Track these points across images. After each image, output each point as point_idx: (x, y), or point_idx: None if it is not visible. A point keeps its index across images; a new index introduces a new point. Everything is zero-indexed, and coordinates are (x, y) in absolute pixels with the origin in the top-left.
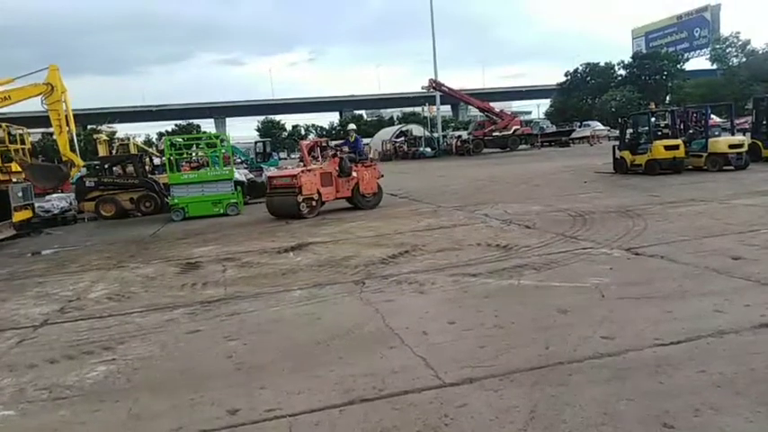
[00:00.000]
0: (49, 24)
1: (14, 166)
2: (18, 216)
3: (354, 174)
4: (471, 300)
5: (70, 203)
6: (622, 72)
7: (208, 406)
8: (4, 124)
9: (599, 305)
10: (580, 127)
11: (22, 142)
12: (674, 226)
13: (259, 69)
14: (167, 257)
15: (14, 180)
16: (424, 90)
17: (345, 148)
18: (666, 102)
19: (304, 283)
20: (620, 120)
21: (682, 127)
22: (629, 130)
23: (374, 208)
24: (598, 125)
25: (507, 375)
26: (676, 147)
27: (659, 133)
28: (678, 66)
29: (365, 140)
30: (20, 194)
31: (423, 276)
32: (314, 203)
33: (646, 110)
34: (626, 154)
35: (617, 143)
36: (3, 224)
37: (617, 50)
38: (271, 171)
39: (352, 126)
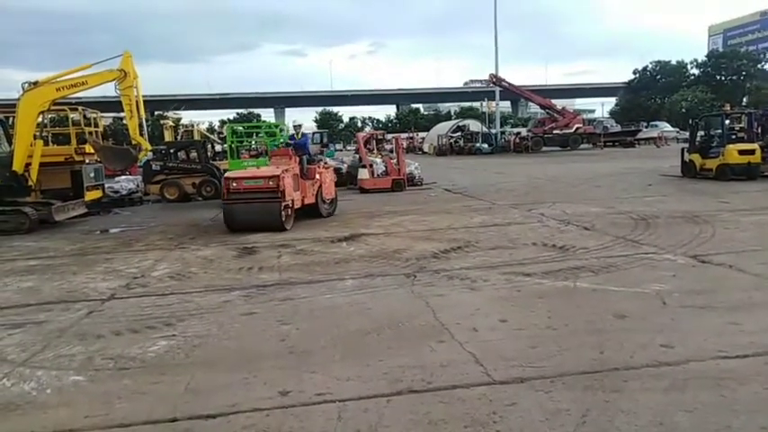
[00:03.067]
0: (123, 12)
1: (88, 148)
2: (90, 195)
3: (317, 176)
4: (524, 299)
5: (137, 185)
6: (695, 71)
7: (260, 385)
8: (80, 108)
9: (659, 312)
10: (647, 127)
11: (96, 125)
12: (746, 235)
13: (320, 61)
14: (225, 241)
15: (87, 161)
16: (484, 85)
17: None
18: (743, 104)
19: (356, 272)
20: (690, 121)
21: (759, 131)
22: (701, 133)
23: (332, 215)
24: (666, 126)
25: (559, 377)
26: (752, 151)
27: (733, 137)
28: (759, 66)
29: (421, 135)
30: (92, 175)
31: (475, 273)
32: (289, 211)
33: (719, 111)
34: (695, 157)
35: (686, 145)
36: (76, 202)
37: (691, 48)
38: (233, 171)
39: (299, 122)
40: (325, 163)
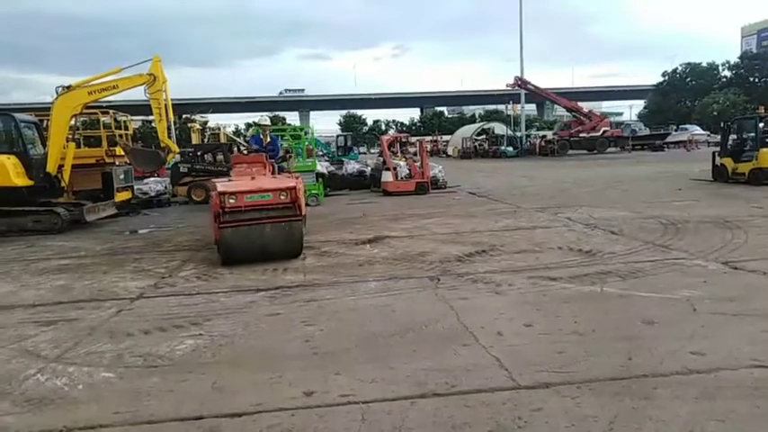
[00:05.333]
0: (150, 17)
1: (118, 150)
2: (119, 196)
3: None
4: (550, 304)
5: (165, 187)
6: (727, 73)
7: (285, 386)
8: (111, 111)
9: (690, 319)
10: (676, 131)
11: (126, 128)
12: None
13: (344, 64)
14: None
15: (117, 163)
16: (509, 88)
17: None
18: None
19: (380, 275)
20: (722, 124)
21: None
22: (733, 136)
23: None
24: (697, 129)
25: (586, 383)
26: None
27: (767, 140)
28: None
29: (445, 138)
30: (122, 176)
31: (499, 277)
32: None
33: (753, 114)
34: (727, 161)
35: (717, 149)
36: (106, 203)
37: (722, 50)
38: (225, 183)
39: (266, 121)
40: (290, 173)
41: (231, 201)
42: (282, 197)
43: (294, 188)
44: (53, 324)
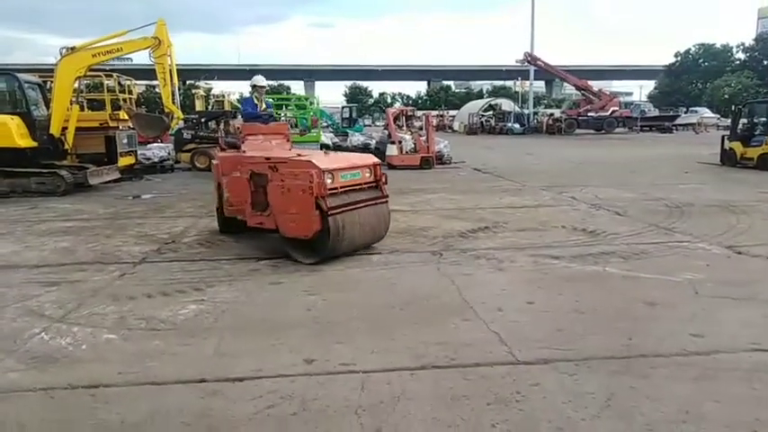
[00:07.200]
0: None
1: (122, 114)
2: (123, 161)
3: None
4: (551, 282)
5: (168, 153)
6: (741, 56)
7: (286, 353)
8: (115, 74)
9: (691, 301)
10: (686, 113)
11: (130, 92)
12: None
13: (350, 34)
14: None
15: (121, 127)
16: (518, 63)
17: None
18: None
19: (382, 248)
20: (733, 107)
21: None
22: (743, 120)
23: None
24: (707, 112)
25: (584, 361)
26: None
27: None
28: None
29: (452, 113)
30: (125, 141)
31: (502, 254)
32: None
33: (765, 98)
34: (736, 145)
35: (727, 133)
36: (110, 167)
37: (737, 31)
38: (315, 155)
39: (262, 81)
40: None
41: (329, 181)
42: (367, 175)
43: (379, 164)
44: (57, 285)
